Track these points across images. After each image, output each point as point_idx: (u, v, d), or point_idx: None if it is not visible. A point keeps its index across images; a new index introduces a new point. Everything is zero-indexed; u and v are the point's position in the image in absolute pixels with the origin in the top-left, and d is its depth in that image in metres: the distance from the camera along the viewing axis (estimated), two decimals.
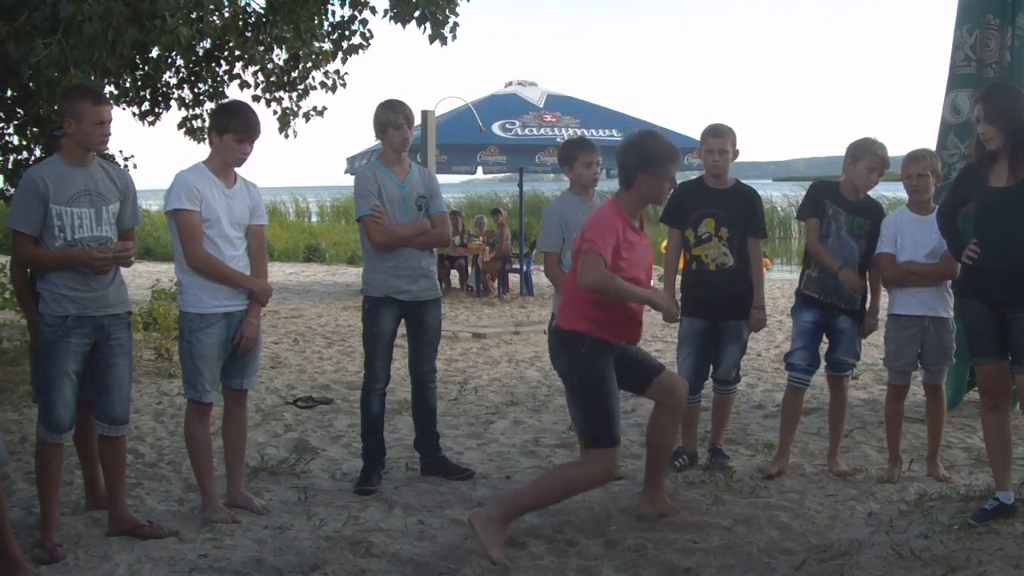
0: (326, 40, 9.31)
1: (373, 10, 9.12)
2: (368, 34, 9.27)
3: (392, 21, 7.94)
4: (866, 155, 5.14)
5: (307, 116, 9.97)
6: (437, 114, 10.85)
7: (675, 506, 4.62)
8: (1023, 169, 4.32)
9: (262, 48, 9.04)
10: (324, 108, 10.06)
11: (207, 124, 8.48)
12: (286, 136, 9.95)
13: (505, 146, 13.22)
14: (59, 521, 4.28)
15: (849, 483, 5.09)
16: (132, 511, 4.50)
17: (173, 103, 9.92)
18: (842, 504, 4.76)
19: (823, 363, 5.35)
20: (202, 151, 14.37)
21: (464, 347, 9.77)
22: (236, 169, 4.65)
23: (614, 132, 13.59)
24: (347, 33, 9.26)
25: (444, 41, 7.98)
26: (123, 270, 4.37)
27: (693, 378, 5.38)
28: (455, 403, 7.17)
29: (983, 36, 6.20)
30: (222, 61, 9.64)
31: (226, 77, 9.76)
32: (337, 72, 9.61)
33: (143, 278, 13.64)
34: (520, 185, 16.69)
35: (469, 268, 15.21)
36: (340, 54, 9.32)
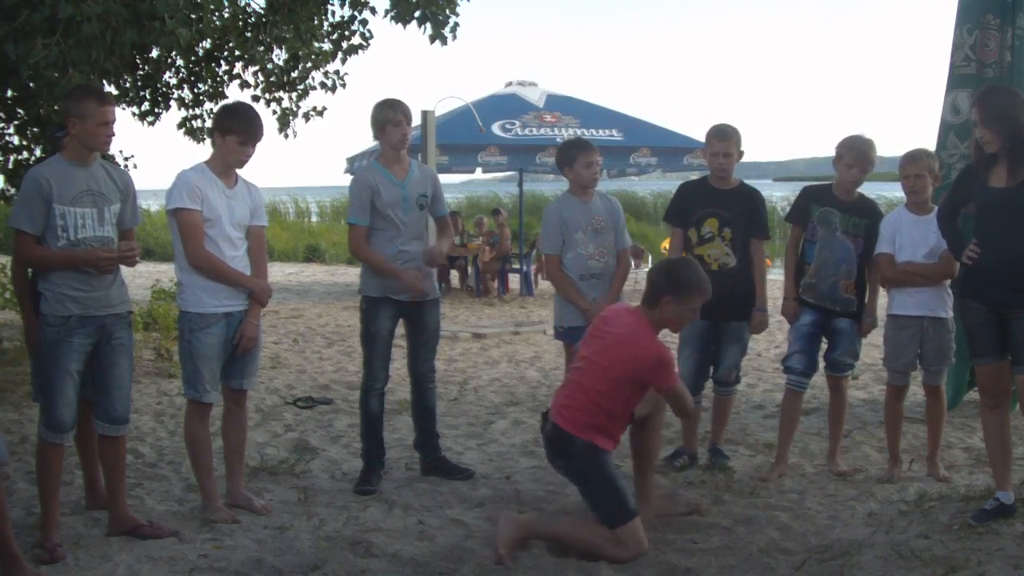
0: (326, 40, 9.30)
1: (373, 10, 9.12)
2: (368, 34, 9.27)
3: (392, 21, 7.94)
4: (846, 152, 5.17)
5: (307, 116, 9.96)
6: (437, 114, 10.84)
7: (671, 506, 4.61)
8: (1022, 170, 4.32)
9: (262, 48, 9.03)
10: (324, 108, 10.06)
11: (210, 124, 8.49)
12: (286, 136, 9.95)
13: (505, 146, 13.22)
14: (59, 521, 4.28)
15: (849, 483, 5.09)
16: (132, 511, 4.50)
17: (173, 103, 9.90)
18: (842, 504, 4.76)
19: (822, 364, 5.36)
20: (202, 151, 14.37)
21: (464, 347, 9.77)
22: (237, 170, 4.65)
23: (614, 132, 13.59)
24: (347, 33, 9.25)
25: (444, 41, 7.98)
26: (123, 270, 4.37)
27: (694, 379, 5.40)
28: (455, 403, 7.17)
29: (983, 36, 6.20)
30: (222, 61, 9.63)
31: (226, 77, 9.75)
32: (337, 72, 9.60)
33: (143, 278, 13.63)
34: (520, 185, 16.69)
35: (469, 268, 15.22)
36: (340, 54, 9.31)
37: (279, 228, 25.40)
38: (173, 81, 9.82)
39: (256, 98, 9.58)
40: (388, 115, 5.08)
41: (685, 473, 5.32)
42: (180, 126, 10.22)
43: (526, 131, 13.48)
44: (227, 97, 9.84)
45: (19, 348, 8.44)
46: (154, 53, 8.28)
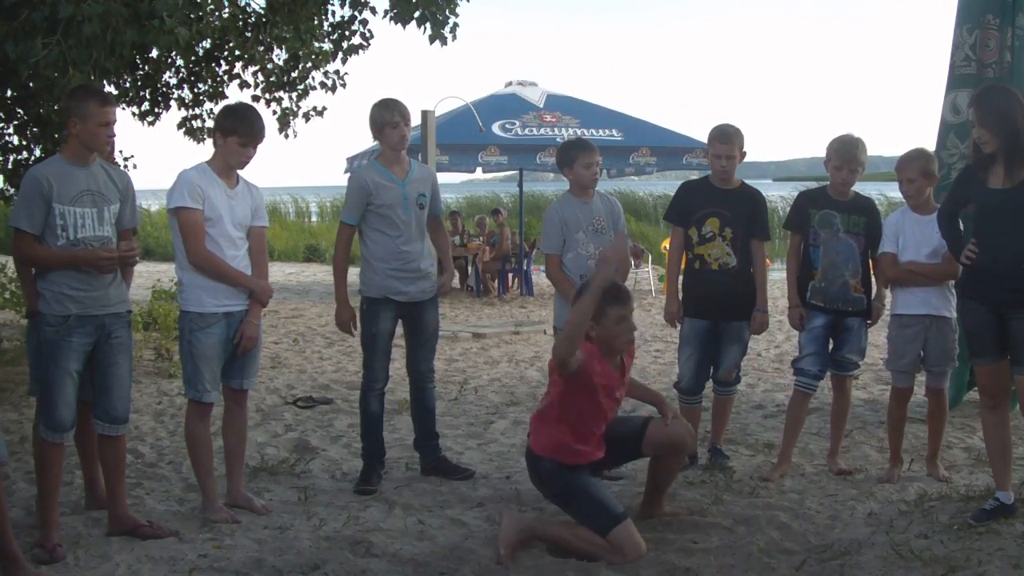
0: (326, 40, 9.30)
1: (373, 10, 9.11)
2: (368, 34, 9.27)
3: (392, 21, 7.93)
4: (834, 154, 5.17)
5: (307, 116, 9.97)
6: (437, 114, 10.83)
7: (672, 512, 4.60)
8: (1020, 170, 4.32)
9: (262, 48, 9.03)
10: (324, 108, 10.07)
11: (212, 124, 8.48)
12: (286, 136, 9.96)
13: (505, 146, 13.21)
14: (59, 521, 4.28)
15: (849, 483, 5.09)
16: (132, 511, 4.50)
17: (173, 103, 9.91)
18: (842, 504, 4.75)
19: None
20: (202, 151, 14.37)
21: (464, 347, 9.77)
22: (238, 170, 4.65)
23: (614, 132, 13.58)
24: (347, 33, 9.25)
25: (444, 41, 7.98)
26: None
27: (694, 379, 5.40)
28: (455, 403, 7.17)
29: (983, 36, 6.20)
30: (222, 61, 9.63)
31: (226, 77, 9.76)
32: (337, 72, 9.61)
33: (143, 278, 13.61)
34: (520, 185, 16.68)
35: (469, 268, 15.22)
36: (340, 54, 9.31)
37: (279, 228, 25.40)
38: (173, 81, 9.83)
39: (256, 98, 9.58)
40: (386, 116, 5.08)
41: (685, 473, 5.31)
42: (180, 126, 10.23)
43: (526, 131, 13.47)
44: (227, 97, 9.86)
45: (19, 348, 8.44)
46: (154, 53, 8.27)
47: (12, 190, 8.70)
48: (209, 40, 8.42)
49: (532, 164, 13.51)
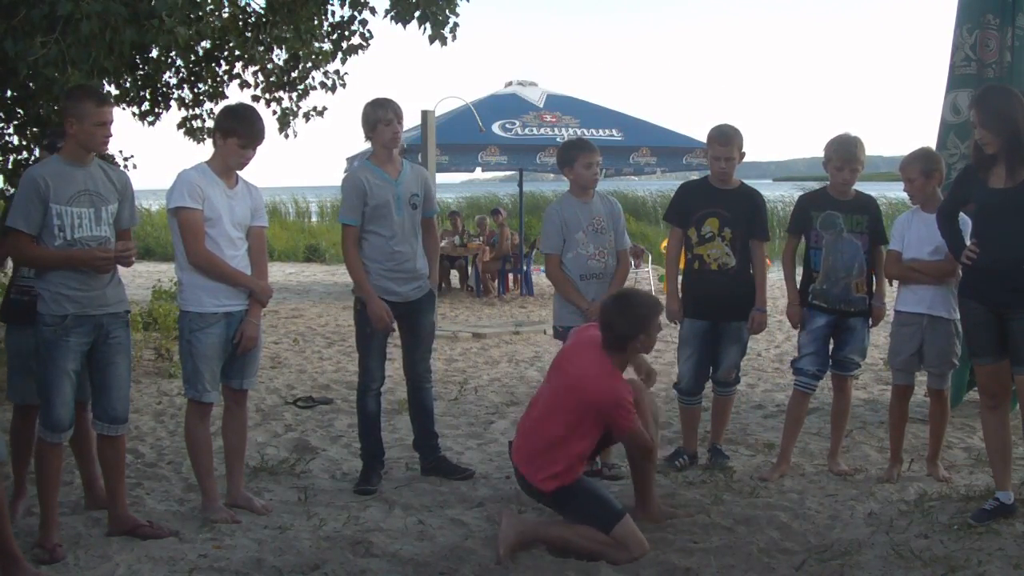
0: (326, 40, 9.31)
1: (373, 10, 9.12)
2: (368, 34, 9.27)
3: (392, 21, 7.94)
4: (833, 155, 5.19)
5: (307, 116, 9.97)
6: (437, 114, 10.83)
7: (670, 511, 4.60)
8: (1021, 171, 4.32)
9: (262, 48, 9.03)
10: (324, 108, 10.08)
11: (212, 124, 8.48)
12: (286, 136, 9.96)
13: (505, 146, 13.21)
14: (59, 521, 4.28)
15: (849, 483, 5.09)
16: (132, 511, 4.50)
17: (173, 103, 9.90)
18: (842, 504, 4.75)
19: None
20: (202, 151, 14.37)
21: (464, 347, 9.77)
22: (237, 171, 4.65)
23: (614, 132, 13.57)
24: (347, 33, 9.26)
25: (444, 41, 7.98)
26: (122, 270, 4.36)
27: (694, 379, 5.40)
28: (455, 403, 7.17)
29: (983, 36, 6.20)
30: (222, 61, 9.63)
31: (226, 77, 9.76)
32: (337, 72, 9.61)
33: (143, 278, 13.64)
34: (520, 185, 16.68)
35: (469, 268, 15.21)
36: (340, 54, 9.32)
37: (279, 228, 25.40)
38: (173, 81, 9.83)
39: (256, 98, 9.59)
40: (379, 114, 5.06)
41: (685, 473, 5.32)
42: (180, 126, 10.22)
43: (526, 131, 13.46)
44: (227, 97, 9.86)
45: None
46: (154, 53, 8.27)
47: (12, 190, 8.69)
48: (209, 40, 8.42)
49: (532, 164, 13.50)
